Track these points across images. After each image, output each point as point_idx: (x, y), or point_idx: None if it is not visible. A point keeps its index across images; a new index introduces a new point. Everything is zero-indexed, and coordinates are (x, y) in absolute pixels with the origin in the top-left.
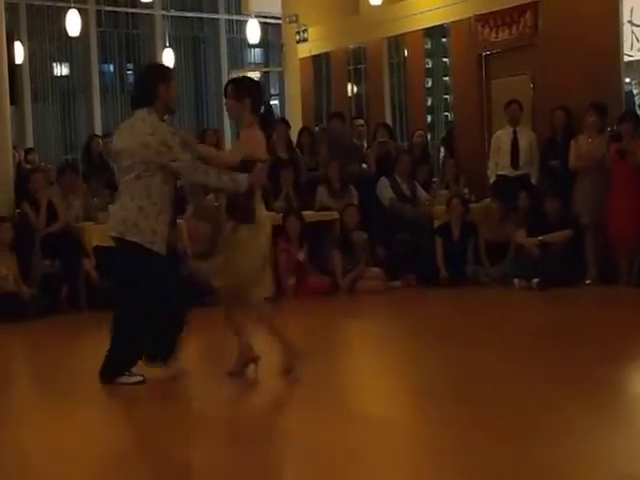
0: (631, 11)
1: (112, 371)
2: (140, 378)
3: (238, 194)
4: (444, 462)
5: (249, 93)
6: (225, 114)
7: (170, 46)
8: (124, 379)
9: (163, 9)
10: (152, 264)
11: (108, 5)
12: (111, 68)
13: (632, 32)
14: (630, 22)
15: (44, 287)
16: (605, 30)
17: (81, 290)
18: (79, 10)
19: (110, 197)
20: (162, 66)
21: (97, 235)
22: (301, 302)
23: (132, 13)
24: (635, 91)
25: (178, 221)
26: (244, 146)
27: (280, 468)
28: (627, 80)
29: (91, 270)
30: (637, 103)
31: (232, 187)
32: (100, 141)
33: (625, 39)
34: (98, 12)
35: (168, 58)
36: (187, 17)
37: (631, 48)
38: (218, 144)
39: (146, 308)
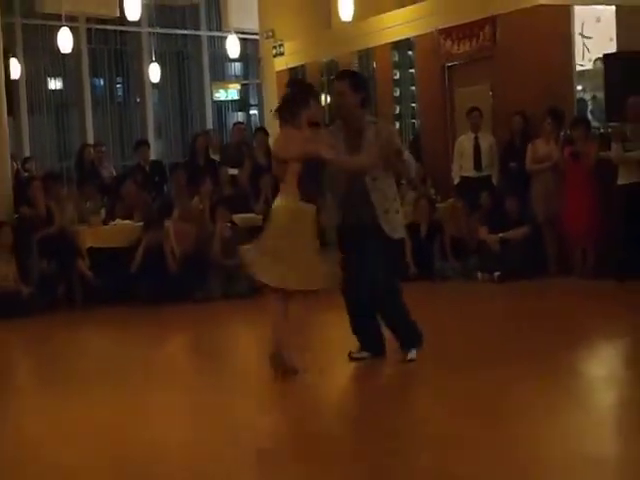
0: (582, 25)
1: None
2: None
3: None
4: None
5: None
6: (208, 122)
7: (156, 61)
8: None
9: (149, 26)
10: None
11: (98, 23)
12: (101, 82)
13: (583, 44)
14: (581, 35)
15: (41, 286)
16: (558, 42)
17: (76, 289)
18: (70, 28)
19: (101, 201)
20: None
21: (90, 237)
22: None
23: (120, 31)
24: (586, 98)
25: (165, 223)
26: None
27: None
28: (579, 88)
29: (85, 270)
30: (589, 109)
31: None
32: (91, 150)
33: (577, 50)
34: (88, 30)
35: (154, 72)
36: (171, 34)
37: (582, 58)
38: (207, 147)
39: None
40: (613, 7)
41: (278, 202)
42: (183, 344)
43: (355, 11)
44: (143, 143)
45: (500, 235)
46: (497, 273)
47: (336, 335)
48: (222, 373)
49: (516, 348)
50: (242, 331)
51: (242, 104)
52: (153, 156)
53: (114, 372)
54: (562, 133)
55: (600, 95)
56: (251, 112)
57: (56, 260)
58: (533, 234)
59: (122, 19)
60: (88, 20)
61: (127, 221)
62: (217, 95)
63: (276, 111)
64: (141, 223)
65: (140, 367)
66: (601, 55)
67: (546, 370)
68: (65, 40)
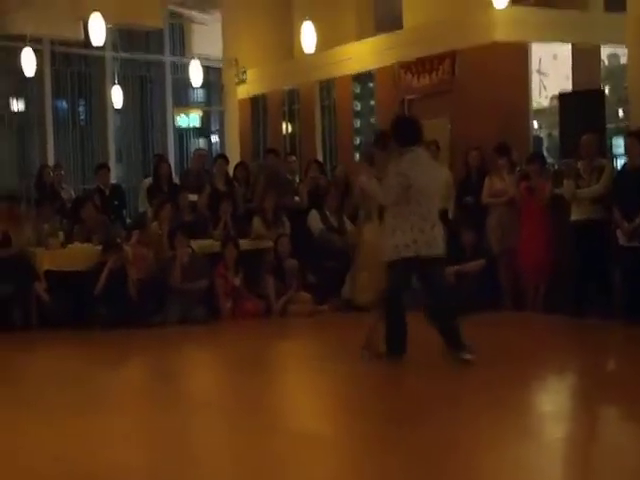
0: (539, 61)
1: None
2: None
3: None
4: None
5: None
6: (170, 147)
7: (119, 85)
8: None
9: (113, 50)
10: None
11: (62, 46)
12: (64, 104)
13: (540, 81)
14: (538, 72)
15: None
16: (515, 79)
17: (33, 312)
18: (34, 50)
19: (60, 224)
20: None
21: (48, 260)
22: (237, 324)
23: (84, 54)
24: (542, 135)
25: (124, 247)
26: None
27: None
28: (535, 125)
29: (42, 293)
30: (544, 146)
31: None
32: (51, 172)
33: (534, 87)
34: (52, 52)
35: (117, 96)
36: (135, 58)
37: (539, 95)
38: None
39: None
40: (569, 45)
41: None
42: (139, 368)
43: (317, 42)
44: (103, 166)
45: (455, 268)
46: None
47: None
48: (176, 396)
49: (466, 380)
50: (197, 356)
51: (203, 131)
52: (113, 180)
53: (70, 397)
54: (518, 168)
55: (556, 132)
56: (212, 139)
57: (12, 282)
58: (488, 267)
59: (86, 42)
60: (52, 42)
61: (86, 244)
62: (179, 121)
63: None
64: (100, 246)
65: (96, 391)
66: (557, 93)
67: (495, 403)
68: (29, 62)
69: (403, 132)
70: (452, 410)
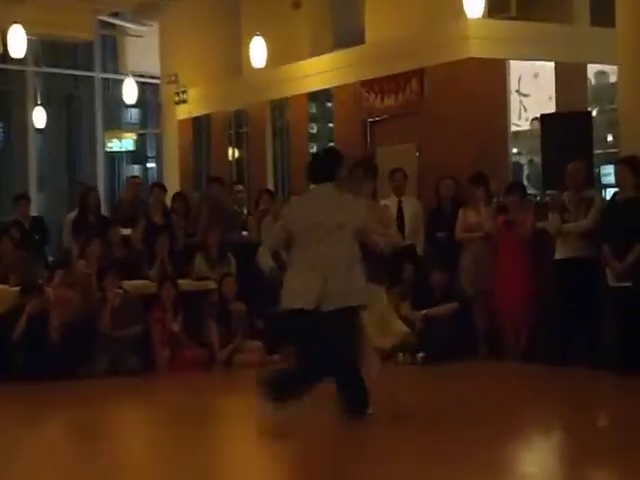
0: (519, 80)
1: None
2: None
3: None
4: None
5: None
6: (100, 174)
7: (42, 104)
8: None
9: (35, 65)
10: None
11: None
12: None
13: (520, 102)
14: (518, 92)
15: None
16: (492, 99)
17: None
18: None
19: None
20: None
21: None
22: (175, 376)
23: (2, 69)
24: (522, 162)
25: (46, 289)
26: None
27: None
28: (515, 150)
29: None
30: (525, 174)
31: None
32: None
33: (513, 109)
34: None
35: (39, 117)
36: (61, 74)
37: (519, 118)
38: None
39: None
40: (552, 63)
41: None
42: (61, 427)
43: (269, 57)
44: (23, 197)
45: (424, 312)
46: (420, 354)
47: None
48: (101, 460)
49: (437, 441)
50: (127, 412)
51: (138, 156)
52: (34, 211)
53: None
54: (495, 200)
55: (537, 159)
56: (148, 165)
57: None
58: (461, 311)
59: (4, 56)
60: None
61: (1, 285)
62: (110, 145)
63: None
64: (18, 288)
65: (11, 453)
66: (539, 115)
67: (469, 468)
68: None
69: (309, 170)
70: (413, 472)
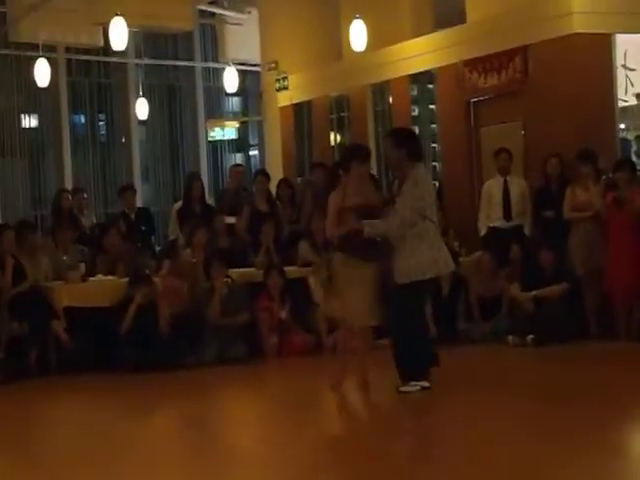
0: (625, 55)
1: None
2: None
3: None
4: None
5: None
6: (203, 163)
7: (144, 96)
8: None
9: (137, 57)
10: None
11: (79, 54)
12: (82, 119)
13: (626, 76)
14: (624, 66)
15: (11, 351)
16: (598, 75)
17: (50, 354)
18: (48, 59)
19: (81, 254)
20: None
21: (67, 295)
22: (284, 363)
23: (104, 62)
24: (630, 137)
25: (154, 279)
26: None
27: None
28: (622, 126)
29: (61, 332)
30: (633, 150)
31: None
32: (70, 196)
33: (619, 84)
34: (68, 61)
35: (141, 108)
36: (162, 65)
37: (625, 93)
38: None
39: None
40: None
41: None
42: (175, 418)
43: (369, 40)
44: (128, 188)
45: (534, 293)
46: (531, 336)
47: None
48: (215, 452)
49: (551, 424)
50: (238, 402)
51: (241, 144)
52: (139, 202)
53: (93, 452)
54: (604, 177)
55: None
56: (251, 153)
57: (28, 321)
58: (571, 292)
59: (106, 49)
60: (68, 50)
61: (110, 277)
62: (212, 134)
63: None
64: (126, 279)
65: (123, 446)
66: None
67: (584, 449)
68: (42, 72)
69: (415, 148)
70: (530, 457)
